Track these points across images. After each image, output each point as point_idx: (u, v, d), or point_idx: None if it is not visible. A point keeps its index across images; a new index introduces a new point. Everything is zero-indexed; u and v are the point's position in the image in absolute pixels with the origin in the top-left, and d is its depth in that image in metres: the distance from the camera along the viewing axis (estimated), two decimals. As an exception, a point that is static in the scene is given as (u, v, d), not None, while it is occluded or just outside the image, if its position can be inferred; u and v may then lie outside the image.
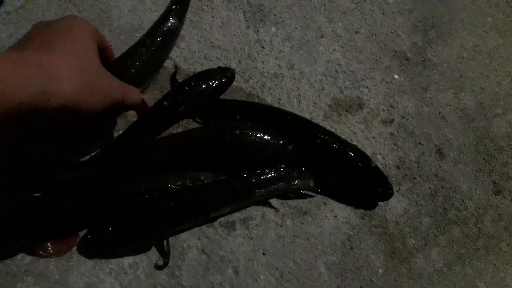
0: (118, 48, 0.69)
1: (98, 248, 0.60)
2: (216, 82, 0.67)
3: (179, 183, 0.61)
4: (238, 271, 0.61)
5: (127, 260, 0.60)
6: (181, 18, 0.71)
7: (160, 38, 0.67)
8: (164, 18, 0.69)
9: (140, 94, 0.59)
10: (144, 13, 0.73)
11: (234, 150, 0.62)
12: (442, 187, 0.69)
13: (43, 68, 0.43)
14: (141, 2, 0.74)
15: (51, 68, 0.43)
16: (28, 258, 0.58)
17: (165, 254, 0.60)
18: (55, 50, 0.46)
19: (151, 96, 0.68)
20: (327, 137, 0.63)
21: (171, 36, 0.69)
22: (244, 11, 0.75)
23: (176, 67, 0.70)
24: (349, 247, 0.64)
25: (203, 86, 0.66)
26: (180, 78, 0.69)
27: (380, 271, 0.63)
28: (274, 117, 0.66)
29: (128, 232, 0.59)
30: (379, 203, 0.66)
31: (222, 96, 0.69)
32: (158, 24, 0.69)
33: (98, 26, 0.71)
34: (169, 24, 0.69)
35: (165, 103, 0.65)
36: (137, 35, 0.71)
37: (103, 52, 0.57)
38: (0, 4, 0.71)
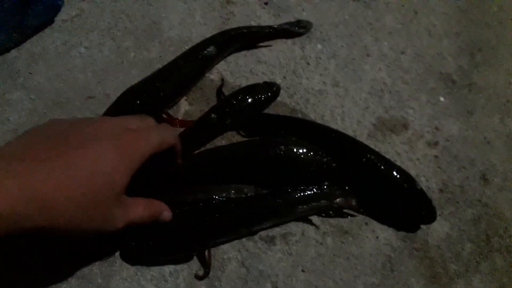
0: (168, 59, 0.71)
1: (140, 256, 0.61)
2: (262, 96, 0.68)
3: (224, 195, 0.61)
4: (277, 286, 0.61)
5: (168, 268, 0.61)
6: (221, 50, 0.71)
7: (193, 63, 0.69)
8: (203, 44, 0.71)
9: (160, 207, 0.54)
10: (193, 26, 0.75)
11: (278, 165, 0.63)
12: (486, 213, 0.68)
13: (23, 187, 0.37)
14: (190, 16, 0.76)
15: (35, 189, 0.37)
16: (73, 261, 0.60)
17: (206, 265, 0.60)
18: (60, 165, 0.40)
19: (197, 108, 0.70)
20: (372, 157, 0.63)
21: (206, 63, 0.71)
22: (291, 27, 0.76)
23: (222, 80, 0.71)
24: (389, 269, 0.63)
25: (250, 100, 0.67)
26: (226, 91, 0.70)
27: (420, 295, 0.63)
28: (319, 133, 0.66)
29: (171, 241, 0.60)
30: (421, 226, 0.65)
31: (265, 111, 0.70)
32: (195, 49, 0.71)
33: (148, 37, 0.74)
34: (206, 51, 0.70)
35: (212, 115, 0.66)
36: (186, 47, 0.73)
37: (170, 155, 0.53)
38: (57, 12, 0.74)
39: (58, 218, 0.39)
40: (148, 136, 0.49)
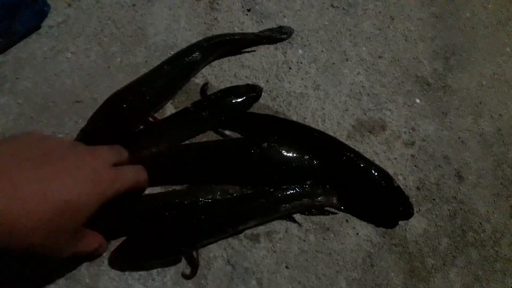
0: (153, 64, 0.73)
1: (129, 262, 0.62)
2: (243, 96, 0.70)
3: (209, 197, 0.63)
4: (261, 283, 0.63)
5: (155, 267, 0.62)
6: (206, 55, 0.73)
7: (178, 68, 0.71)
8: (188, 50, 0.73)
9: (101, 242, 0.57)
10: (178, 32, 0.77)
11: (260, 162, 0.65)
12: (461, 209, 0.71)
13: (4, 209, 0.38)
14: (175, 22, 0.78)
15: (13, 211, 0.38)
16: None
17: (194, 265, 0.62)
18: (37, 189, 0.41)
19: (180, 106, 0.72)
20: (352, 155, 0.65)
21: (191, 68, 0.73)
22: (273, 33, 0.79)
23: (206, 82, 0.73)
24: (369, 264, 0.65)
25: (230, 98, 0.69)
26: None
27: (399, 289, 0.65)
28: (301, 133, 0.68)
29: (159, 245, 0.61)
30: (400, 222, 0.68)
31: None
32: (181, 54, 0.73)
33: (134, 42, 0.75)
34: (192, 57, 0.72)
35: (190, 105, 0.69)
36: (171, 52, 0.75)
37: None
38: (44, 18, 0.75)
39: (18, 243, 0.40)
40: (124, 178, 0.53)
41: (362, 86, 0.76)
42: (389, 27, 0.82)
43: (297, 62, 0.77)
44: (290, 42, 0.78)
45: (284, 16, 0.80)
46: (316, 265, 0.64)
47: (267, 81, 0.75)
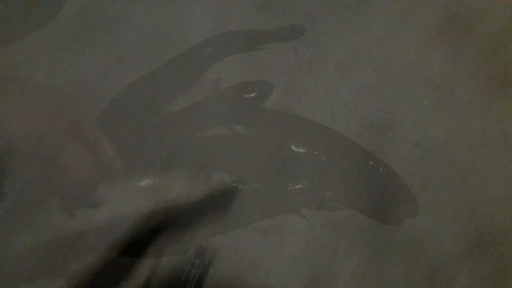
0: (167, 57, 0.74)
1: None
2: (255, 92, 0.71)
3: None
4: (268, 275, 0.64)
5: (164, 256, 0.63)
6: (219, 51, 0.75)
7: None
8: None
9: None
10: (192, 27, 0.78)
11: (269, 157, 0.66)
12: (465, 210, 0.72)
13: None
14: (190, 17, 0.79)
15: None
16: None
17: (202, 255, 0.63)
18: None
19: (193, 100, 0.73)
20: (360, 153, 0.66)
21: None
22: (285, 31, 0.80)
23: (218, 77, 0.74)
24: (374, 260, 0.66)
25: (241, 93, 0.71)
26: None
27: (403, 286, 0.66)
28: (310, 129, 0.70)
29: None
30: (405, 220, 0.69)
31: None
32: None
33: (148, 36, 0.76)
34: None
35: (202, 99, 0.71)
36: (185, 47, 0.76)
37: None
38: (59, 8, 0.76)
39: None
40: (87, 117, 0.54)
41: (372, 86, 0.78)
42: (399, 29, 0.83)
43: (308, 61, 0.78)
44: (301, 41, 0.80)
45: (296, 15, 0.82)
46: (322, 259, 0.65)
47: (278, 78, 0.76)
